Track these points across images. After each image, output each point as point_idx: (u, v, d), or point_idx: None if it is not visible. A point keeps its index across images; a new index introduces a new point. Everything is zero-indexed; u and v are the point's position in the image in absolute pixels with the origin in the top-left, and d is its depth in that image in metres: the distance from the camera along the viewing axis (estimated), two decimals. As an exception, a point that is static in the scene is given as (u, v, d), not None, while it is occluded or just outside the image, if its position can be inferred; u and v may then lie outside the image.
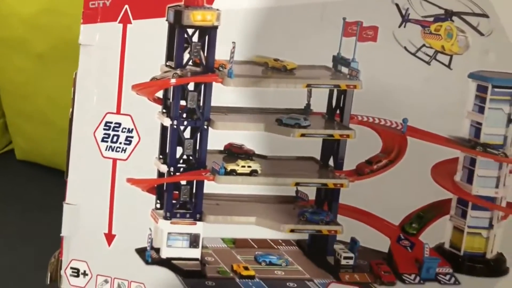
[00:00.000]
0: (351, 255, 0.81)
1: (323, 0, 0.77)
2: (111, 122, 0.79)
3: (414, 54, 0.77)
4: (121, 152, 0.80)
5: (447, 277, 0.80)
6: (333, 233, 0.81)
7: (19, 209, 1.14)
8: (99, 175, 0.80)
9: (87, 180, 0.80)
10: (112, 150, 0.80)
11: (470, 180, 0.80)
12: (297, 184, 0.81)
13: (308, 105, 0.82)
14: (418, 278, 0.80)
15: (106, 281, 0.82)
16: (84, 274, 0.82)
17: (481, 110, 0.78)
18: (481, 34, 0.76)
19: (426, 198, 0.79)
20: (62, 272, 0.82)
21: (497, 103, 0.78)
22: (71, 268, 0.82)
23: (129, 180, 0.80)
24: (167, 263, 0.81)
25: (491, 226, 0.80)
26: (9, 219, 1.11)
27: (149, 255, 0.81)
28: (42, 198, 1.14)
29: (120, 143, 0.80)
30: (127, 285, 0.81)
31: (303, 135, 0.80)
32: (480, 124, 0.78)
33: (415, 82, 0.77)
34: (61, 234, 0.81)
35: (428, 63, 0.77)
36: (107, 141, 0.80)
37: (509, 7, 0.75)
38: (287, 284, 0.81)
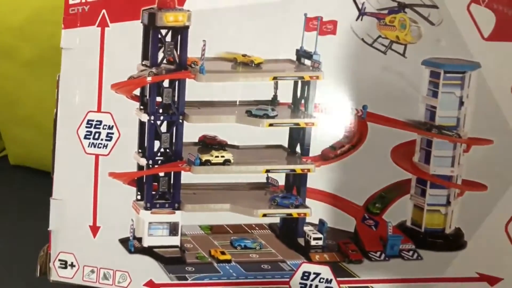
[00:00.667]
0: (320, 236, 0.82)
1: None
2: (93, 120, 0.81)
3: (371, 45, 0.79)
4: (103, 148, 0.81)
5: (410, 253, 0.82)
6: (302, 216, 0.83)
7: (14, 212, 1.14)
8: (83, 170, 0.82)
9: (72, 176, 0.82)
10: (94, 147, 0.81)
11: (427, 160, 0.81)
12: (267, 171, 0.83)
13: (275, 96, 0.84)
14: (383, 255, 0.82)
15: (92, 271, 0.83)
16: (72, 265, 0.83)
17: (434, 94, 0.80)
18: (432, 24, 0.78)
19: (387, 179, 0.81)
20: (50, 264, 0.83)
21: (449, 87, 0.80)
22: (59, 260, 0.83)
23: (111, 174, 0.82)
24: (149, 251, 0.83)
25: (448, 203, 0.82)
26: (6, 221, 1.12)
27: (132, 244, 0.82)
28: (36, 201, 1.06)
29: (102, 139, 0.81)
30: (112, 274, 0.82)
31: (271, 124, 0.81)
32: (435, 107, 0.80)
33: (373, 71, 0.79)
34: (49, 228, 0.82)
35: (384, 52, 0.79)
36: (89, 138, 0.81)
37: (457, -3, 0.77)
38: (262, 266, 0.82)
